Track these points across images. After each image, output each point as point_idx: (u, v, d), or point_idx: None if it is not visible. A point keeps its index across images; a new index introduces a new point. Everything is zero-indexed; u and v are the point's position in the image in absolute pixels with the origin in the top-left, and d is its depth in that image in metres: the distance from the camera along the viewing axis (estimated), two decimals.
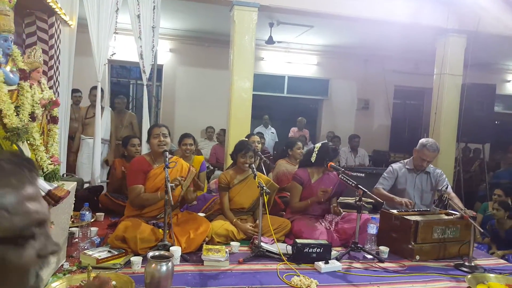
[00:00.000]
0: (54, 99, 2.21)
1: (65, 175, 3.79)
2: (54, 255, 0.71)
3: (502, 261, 3.06)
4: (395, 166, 3.68)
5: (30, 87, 2.06)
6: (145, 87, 4.55)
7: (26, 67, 2.07)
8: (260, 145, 4.49)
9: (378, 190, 3.53)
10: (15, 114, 1.92)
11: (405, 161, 3.70)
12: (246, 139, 4.14)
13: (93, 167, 4.22)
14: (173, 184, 2.73)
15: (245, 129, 4.85)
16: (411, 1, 5.14)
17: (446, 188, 3.23)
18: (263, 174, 3.97)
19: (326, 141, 3.83)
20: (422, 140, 3.57)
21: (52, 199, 1.81)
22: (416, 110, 9.31)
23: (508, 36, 5.53)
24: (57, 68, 3.68)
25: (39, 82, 2.19)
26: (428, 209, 3.32)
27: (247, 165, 3.26)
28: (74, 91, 4.82)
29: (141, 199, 2.92)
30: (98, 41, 4.08)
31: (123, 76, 8.24)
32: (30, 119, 2.02)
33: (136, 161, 3.10)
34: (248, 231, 3.10)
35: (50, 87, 3.51)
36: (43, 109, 2.15)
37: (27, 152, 2.02)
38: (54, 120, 2.29)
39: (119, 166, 3.95)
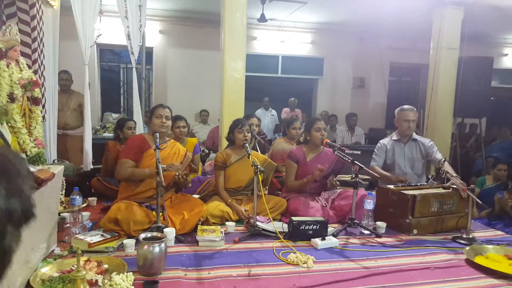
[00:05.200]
0: (34, 79, 2.11)
1: (55, 161, 3.72)
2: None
3: (499, 232, 3.04)
4: (383, 141, 3.70)
5: (8, 66, 1.96)
6: (134, 70, 4.42)
7: (2, 46, 1.96)
8: (257, 128, 4.41)
9: (374, 168, 3.50)
10: None
11: (391, 134, 3.74)
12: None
13: (85, 151, 4.14)
14: (165, 166, 2.68)
15: (239, 110, 4.75)
16: None
17: (444, 161, 3.19)
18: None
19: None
20: (397, 109, 3.70)
21: (35, 181, 1.74)
22: (412, 87, 9.21)
23: (506, 7, 5.40)
24: (42, 51, 3.55)
25: (17, 62, 2.08)
26: (425, 183, 3.27)
27: (246, 139, 3.19)
28: (62, 72, 4.53)
29: (128, 172, 2.85)
30: (83, 22, 3.94)
31: (113, 61, 8.07)
32: (9, 100, 1.92)
33: (135, 138, 3.07)
34: (241, 214, 3.05)
35: (35, 71, 3.39)
36: (23, 89, 2.06)
37: (8, 135, 1.94)
38: (35, 101, 2.20)
39: (113, 148, 3.88)
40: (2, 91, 1.85)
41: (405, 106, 3.64)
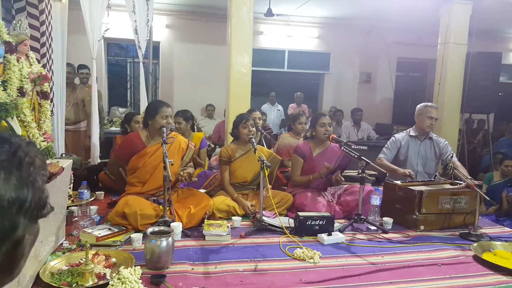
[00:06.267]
0: (43, 73, 2.12)
1: (63, 155, 3.75)
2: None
3: (507, 229, 3.02)
4: (398, 136, 3.64)
5: (18, 60, 1.97)
6: (141, 64, 4.43)
7: (12, 40, 1.97)
8: (261, 122, 4.41)
9: (380, 160, 3.50)
10: (2, 89, 1.84)
11: (408, 130, 3.66)
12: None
13: (93, 145, 4.17)
14: (172, 160, 2.68)
15: (245, 105, 4.75)
16: None
17: (451, 157, 3.17)
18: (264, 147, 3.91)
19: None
20: (420, 105, 3.61)
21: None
22: (419, 82, 9.15)
23: None
24: (50, 45, 3.56)
25: (27, 56, 2.10)
26: (432, 179, 3.26)
27: (251, 134, 3.18)
28: (81, 67, 4.58)
29: (116, 173, 3.33)
30: (91, 16, 3.94)
31: (120, 55, 8.09)
32: (19, 95, 1.94)
33: (129, 139, 3.07)
34: (247, 208, 3.05)
35: (44, 65, 3.41)
36: (33, 84, 2.07)
37: (18, 129, 1.95)
38: (45, 95, 2.21)
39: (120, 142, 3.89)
40: (12, 85, 1.87)
41: (430, 103, 3.60)
